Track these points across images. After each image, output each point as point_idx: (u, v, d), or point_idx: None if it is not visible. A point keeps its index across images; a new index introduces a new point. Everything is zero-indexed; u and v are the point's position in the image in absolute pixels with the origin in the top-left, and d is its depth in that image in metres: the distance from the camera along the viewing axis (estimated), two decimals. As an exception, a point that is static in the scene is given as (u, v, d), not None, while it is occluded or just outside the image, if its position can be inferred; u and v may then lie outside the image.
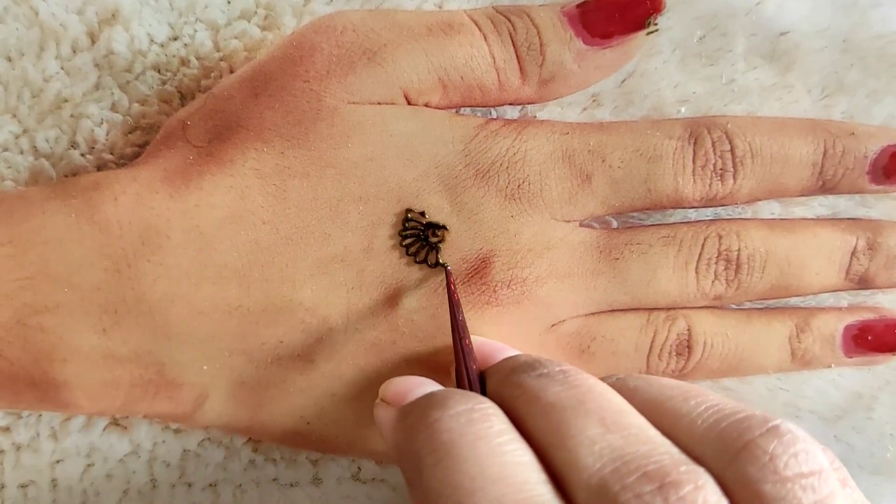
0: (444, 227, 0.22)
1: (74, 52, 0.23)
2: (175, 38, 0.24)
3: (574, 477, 0.14)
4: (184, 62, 0.24)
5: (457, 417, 0.15)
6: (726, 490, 0.14)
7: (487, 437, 0.15)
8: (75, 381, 0.20)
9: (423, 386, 0.19)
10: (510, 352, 0.20)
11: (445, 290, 0.22)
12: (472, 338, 0.21)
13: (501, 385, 0.17)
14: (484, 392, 0.18)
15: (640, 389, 0.17)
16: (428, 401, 0.16)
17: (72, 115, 0.23)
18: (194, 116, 0.22)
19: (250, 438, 0.25)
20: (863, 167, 0.24)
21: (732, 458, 0.14)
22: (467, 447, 0.15)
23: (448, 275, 0.21)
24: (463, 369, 0.19)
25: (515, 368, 0.17)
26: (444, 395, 0.16)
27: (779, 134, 0.24)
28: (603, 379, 0.18)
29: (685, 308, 0.25)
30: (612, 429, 0.15)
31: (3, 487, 0.24)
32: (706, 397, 0.16)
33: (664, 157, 0.23)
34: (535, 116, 0.25)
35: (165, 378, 0.21)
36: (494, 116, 0.24)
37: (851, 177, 0.24)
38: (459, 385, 0.19)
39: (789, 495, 0.14)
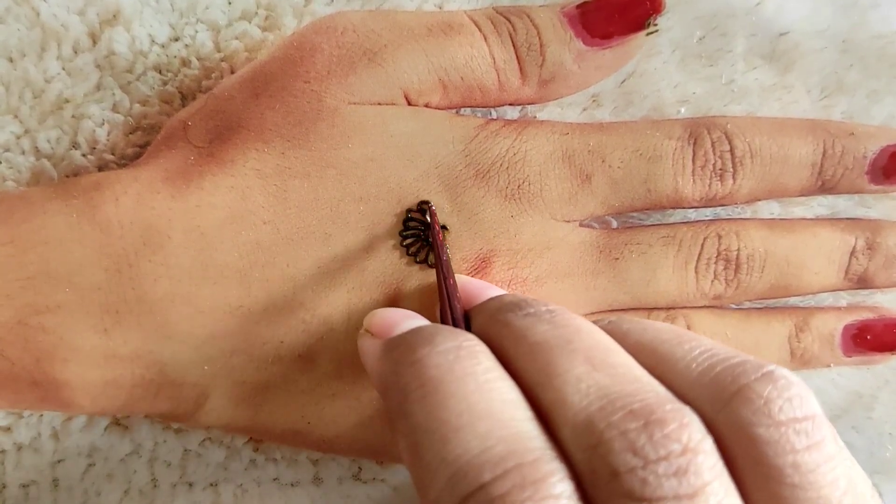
0: (444, 228, 0.22)
1: (76, 52, 0.23)
2: (176, 39, 0.24)
3: (560, 414, 0.14)
4: (185, 63, 0.24)
5: (445, 354, 0.15)
6: (719, 433, 0.14)
7: (475, 374, 0.15)
8: (76, 381, 0.20)
9: (410, 319, 0.18)
10: (495, 290, 0.20)
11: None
12: (457, 276, 0.20)
13: (487, 324, 0.17)
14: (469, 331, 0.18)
15: (632, 332, 0.17)
16: (415, 336, 0.16)
17: (73, 116, 0.23)
18: (195, 117, 0.22)
19: (251, 438, 0.25)
20: (862, 167, 0.24)
21: (726, 401, 0.14)
22: (455, 383, 0.15)
23: (432, 214, 0.21)
24: (447, 308, 0.19)
25: (501, 308, 0.17)
26: (431, 331, 0.16)
27: (778, 134, 0.24)
28: (595, 322, 0.17)
29: (685, 308, 0.25)
30: (599, 367, 0.15)
31: (4, 487, 0.24)
32: (700, 342, 0.16)
33: (664, 158, 0.23)
34: (535, 117, 0.25)
35: (166, 378, 0.21)
36: (494, 117, 0.24)
37: (851, 177, 0.24)
38: (443, 316, 0.19)
39: (782, 439, 0.14)
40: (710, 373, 0.15)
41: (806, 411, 0.14)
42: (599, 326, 0.17)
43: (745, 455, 0.14)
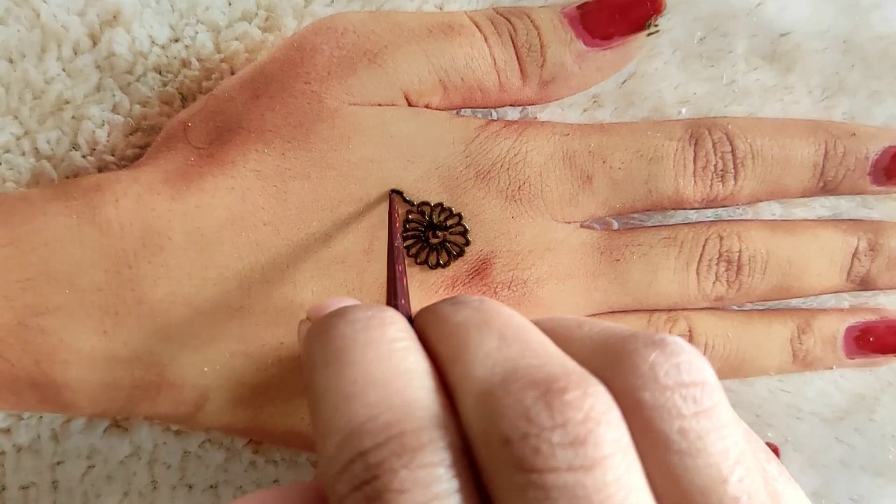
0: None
1: (76, 53, 0.23)
2: (176, 40, 0.24)
3: (463, 387, 0.14)
4: (185, 64, 0.24)
5: (353, 324, 0.15)
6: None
7: (379, 343, 0.14)
8: (76, 383, 0.20)
9: (342, 302, 0.17)
10: None
11: (437, 292, 0.22)
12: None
13: (421, 315, 0.16)
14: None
15: (539, 322, 0.16)
16: (333, 312, 0.16)
17: (73, 117, 0.23)
18: (195, 118, 0.22)
19: (251, 440, 0.25)
20: (864, 168, 0.24)
21: (615, 368, 0.14)
22: (356, 352, 0.14)
23: (391, 200, 0.21)
24: (391, 292, 0.18)
25: (437, 302, 0.16)
26: (349, 306, 0.16)
27: (780, 135, 0.24)
28: None
29: (686, 309, 0.24)
30: (511, 343, 0.14)
31: (4, 489, 0.24)
32: (599, 323, 0.16)
33: (665, 158, 0.23)
34: (536, 118, 0.25)
35: (166, 379, 0.21)
36: (495, 118, 0.24)
37: (853, 178, 0.24)
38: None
39: (668, 403, 0.13)
40: (604, 345, 0.14)
41: (695, 377, 0.14)
42: None
43: (634, 424, 0.13)
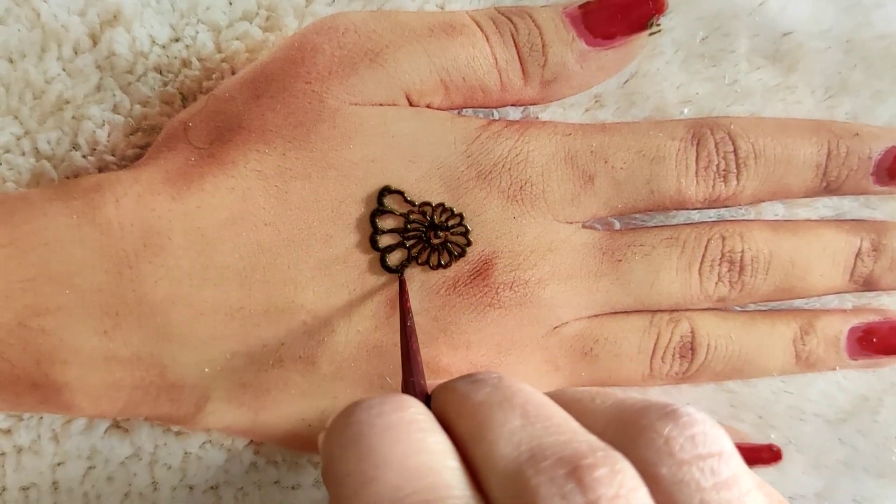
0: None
1: (76, 53, 0.23)
2: (177, 40, 0.24)
3: (490, 466, 0.14)
4: (185, 63, 0.24)
5: (368, 409, 0.15)
6: None
7: (397, 426, 0.14)
8: (76, 384, 0.20)
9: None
10: None
11: (438, 292, 0.22)
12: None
13: (437, 394, 0.16)
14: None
15: (553, 395, 0.16)
16: (350, 404, 0.16)
17: (73, 117, 0.23)
18: (196, 118, 0.22)
19: (252, 441, 0.25)
20: (867, 168, 0.24)
21: (631, 444, 0.14)
22: (375, 436, 0.14)
23: (402, 283, 0.21)
24: (407, 373, 0.18)
25: (454, 379, 0.17)
26: (367, 398, 0.16)
27: (782, 135, 0.23)
28: None
29: (688, 310, 0.24)
30: (534, 420, 0.14)
31: (4, 490, 0.24)
32: (612, 395, 0.16)
33: (667, 158, 0.23)
34: (538, 117, 0.25)
35: (167, 380, 0.21)
36: (496, 117, 0.24)
37: (855, 178, 0.24)
38: (403, 389, 0.18)
39: (686, 477, 0.13)
40: (620, 418, 0.15)
41: (711, 448, 0.14)
42: None
43: (657, 498, 0.13)
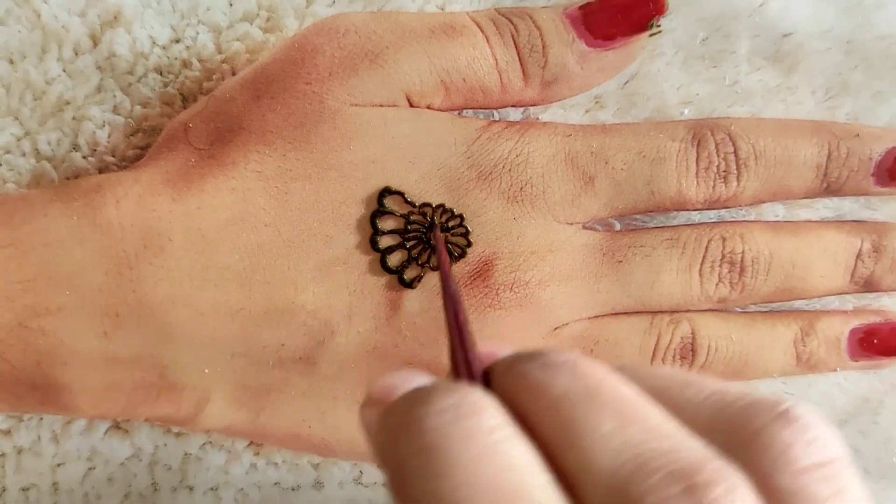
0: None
1: (76, 54, 0.23)
2: (177, 41, 0.24)
3: (588, 479, 0.13)
4: (186, 64, 0.24)
5: (442, 414, 0.13)
6: None
7: (477, 436, 0.13)
8: (76, 384, 0.20)
9: (412, 381, 0.16)
10: (509, 349, 0.17)
11: (438, 293, 0.21)
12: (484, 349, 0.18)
13: (503, 377, 0.15)
14: (487, 385, 0.16)
15: (639, 378, 0.15)
16: (411, 397, 0.14)
17: (74, 118, 0.23)
18: (196, 119, 0.22)
19: (252, 442, 0.25)
20: (867, 169, 0.24)
21: (742, 449, 0.13)
22: (454, 448, 0.13)
23: (440, 241, 0.20)
24: (457, 351, 0.16)
25: (518, 358, 0.15)
26: (429, 390, 0.14)
27: (782, 136, 0.23)
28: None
29: (689, 311, 0.24)
30: (630, 423, 0.13)
31: (4, 490, 0.24)
32: (706, 384, 0.15)
33: (667, 159, 0.23)
34: (538, 118, 0.25)
35: (167, 381, 0.21)
36: (497, 118, 0.24)
37: (856, 179, 0.24)
38: (454, 368, 0.17)
39: (806, 489, 0.13)
40: (722, 417, 0.14)
41: (829, 454, 0.13)
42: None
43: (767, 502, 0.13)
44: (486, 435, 0.13)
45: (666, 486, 0.12)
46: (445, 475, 0.12)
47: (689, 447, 0.13)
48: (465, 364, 0.16)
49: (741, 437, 0.13)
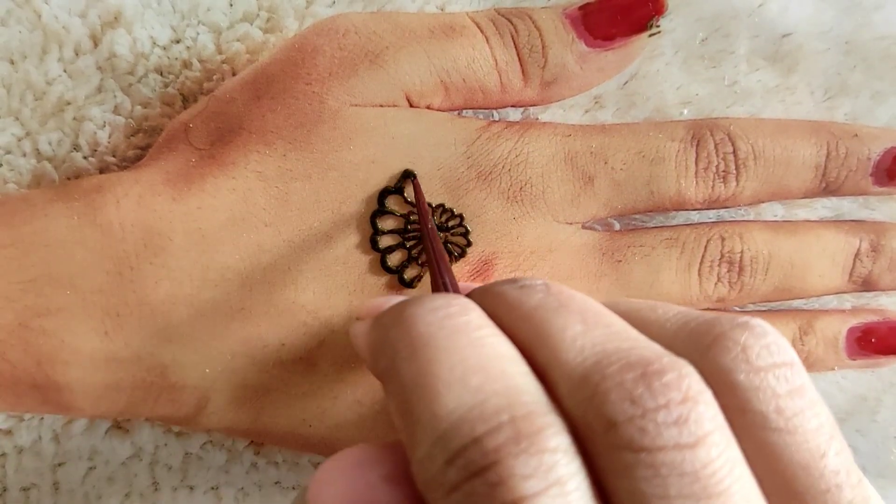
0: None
1: (77, 54, 0.23)
2: (177, 41, 0.24)
3: (555, 372, 0.14)
4: (186, 65, 0.24)
5: (434, 311, 0.15)
6: None
7: (466, 330, 0.14)
8: (77, 384, 0.20)
9: (400, 298, 0.18)
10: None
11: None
12: (461, 284, 0.20)
13: (482, 297, 0.16)
14: None
15: (610, 305, 0.17)
16: (403, 302, 0.16)
17: (74, 118, 0.23)
18: (196, 119, 0.22)
19: (252, 441, 0.25)
20: (866, 169, 0.24)
21: (703, 351, 0.14)
22: (445, 338, 0.14)
23: (416, 185, 0.21)
24: (437, 275, 0.18)
25: (497, 282, 0.17)
26: (420, 296, 0.16)
27: (782, 136, 0.23)
28: None
29: (688, 310, 0.24)
30: (594, 327, 0.14)
31: (5, 490, 0.24)
32: (673, 307, 0.16)
33: (667, 159, 0.23)
34: (538, 118, 0.25)
35: (167, 381, 0.21)
36: (496, 119, 0.24)
37: (855, 179, 0.24)
38: (435, 290, 0.18)
39: (763, 384, 0.14)
40: (686, 328, 0.15)
41: (784, 357, 0.14)
42: None
43: (728, 404, 0.14)
44: (475, 330, 0.14)
45: (620, 374, 0.13)
46: (439, 359, 0.14)
47: (645, 346, 0.14)
48: (442, 287, 0.17)
49: (702, 342, 0.14)
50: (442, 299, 0.15)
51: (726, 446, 0.13)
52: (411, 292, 0.22)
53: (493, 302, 0.16)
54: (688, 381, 0.13)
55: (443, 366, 0.14)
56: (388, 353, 0.15)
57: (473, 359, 0.14)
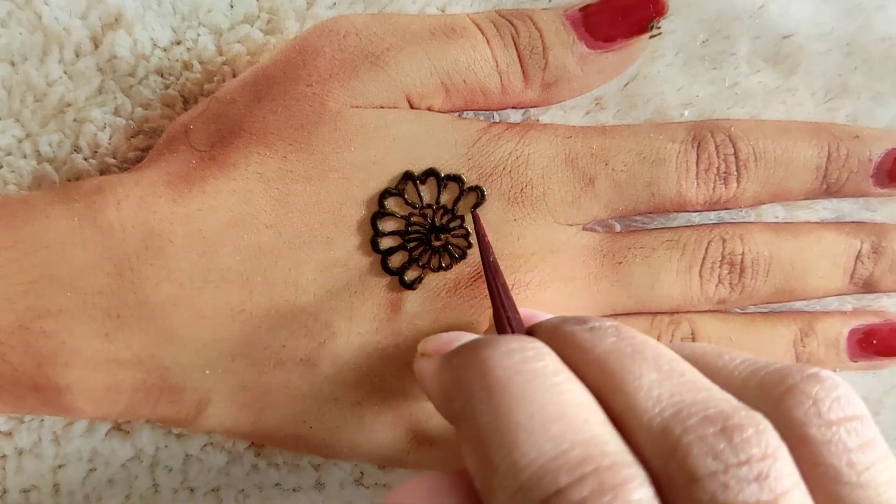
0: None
1: (77, 56, 0.23)
2: (178, 43, 0.24)
3: (633, 421, 0.14)
4: (187, 66, 0.24)
5: (510, 355, 0.15)
6: None
7: (544, 376, 0.14)
8: (78, 386, 0.20)
9: (467, 336, 0.18)
10: (547, 315, 0.19)
11: (439, 294, 0.22)
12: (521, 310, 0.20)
13: (551, 338, 0.16)
14: None
15: (678, 350, 0.17)
16: (476, 343, 0.16)
17: (75, 120, 0.23)
18: (197, 120, 0.22)
19: (253, 443, 0.25)
20: (867, 170, 0.24)
21: (775, 404, 0.14)
22: (523, 384, 0.14)
23: (476, 218, 0.21)
24: (502, 313, 0.18)
25: (565, 321, 0.16)
26: (493, 337, 0.16)
27: (782, 137, 0.23)
28: None
29: (689, 312, 0.24)
30: (668, 376, 0.15)
31: (5, 492, 0.24)
32: (737, 353, 0.16)
33: (667, 161, 0.23)
34: (538, 120, 0.25)
35: (168, 382, 0.21)
36: (497, 120, 0.24)
37: (856, 180, 0.24)
38: (500, 329, 0.18)
39: (835, 438, 0.14)
40: (755, 378, 0.15)
41: (854, 410, 0.14)
42: None
43: (800, 456, 0.14)
44: (552, 376, 0.14)
45: (701, 428, 0.13)
46: (518, 406, 0.14)
47: (721, 398, 0.14)
48: (510, 323, 0.17)
49: (774, 394, 0.14)
50: (516, 342, 0.15)
51: (803, 502, 0.13)
52: (412, 294, 0.22)
53: (563, 343, 0.16)
54: (766, 436, 0.13)
55: (522, 413, 0.14)
56: (462, 395, 0.15)
57: (552, 406, 0.14)
